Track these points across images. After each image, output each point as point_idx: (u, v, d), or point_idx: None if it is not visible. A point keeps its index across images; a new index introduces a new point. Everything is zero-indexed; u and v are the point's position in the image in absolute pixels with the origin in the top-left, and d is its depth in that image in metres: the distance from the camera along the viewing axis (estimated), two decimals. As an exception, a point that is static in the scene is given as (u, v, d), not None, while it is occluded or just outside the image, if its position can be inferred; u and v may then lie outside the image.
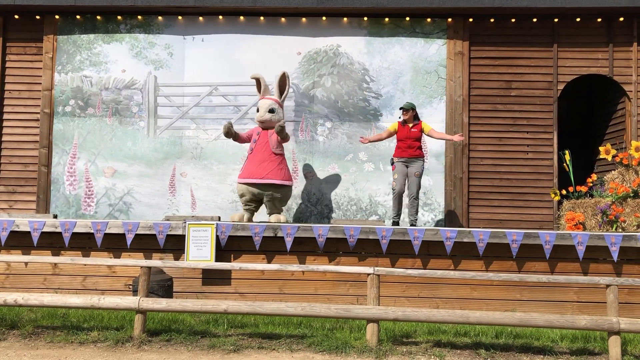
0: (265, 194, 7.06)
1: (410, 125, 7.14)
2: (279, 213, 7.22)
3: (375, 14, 8.32)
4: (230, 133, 7.20)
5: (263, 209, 7.44)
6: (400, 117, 7.26)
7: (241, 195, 7.21)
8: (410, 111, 7.15)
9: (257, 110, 7.33)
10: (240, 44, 8.47)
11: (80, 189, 8.34)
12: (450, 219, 8.12)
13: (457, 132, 8.12)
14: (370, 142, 7.50)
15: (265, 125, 7.26)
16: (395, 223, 7.12)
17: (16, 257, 5.83)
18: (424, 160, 7.21)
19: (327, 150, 8.34)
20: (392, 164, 7.22)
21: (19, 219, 6.52)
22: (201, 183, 8.33)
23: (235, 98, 8.43)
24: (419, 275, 5.34)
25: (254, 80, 7.56)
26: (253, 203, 7.20)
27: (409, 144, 7.09)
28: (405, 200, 7.38)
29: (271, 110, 7.21)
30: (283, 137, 7.14)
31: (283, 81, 7.38)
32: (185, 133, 8.42)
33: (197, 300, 5.20)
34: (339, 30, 8.42)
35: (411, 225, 7.13)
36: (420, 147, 7.15)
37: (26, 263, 6.41)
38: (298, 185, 8.24)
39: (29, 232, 6.39)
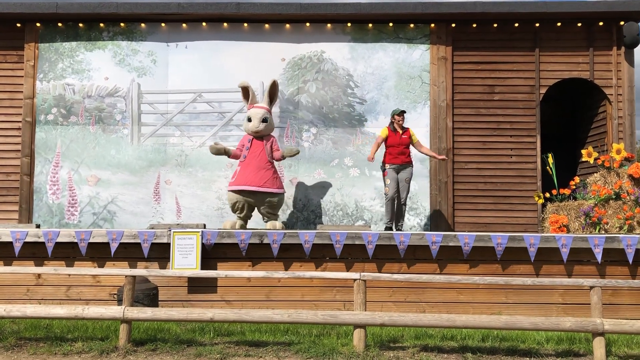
0: (264, 202, 7.04)
1: (401, 132, 7.21)
2: (275, 220, 7.20)
3: (359, 20, 8.36)
4: (219, 152, 7.19)
5: (255, 217, 7.42)
6: (394, 122, 7.24)
7: (234, 204, 7.08)
8: (404, 116, 7.28)
9: (249, 120, 7.20)
10: (224, 51, 8.46)
11: (63, 198, 8.25)
12: (435, 223, 8.15)
13: (441, 137, 8.20)
14: (374, 157, 7.21)
15: (259, 135, 7.22)
16: (389, 228, 7.13)
17: (-2, 268, 5.75)
18: (412, 166, 7.31)
19: (312, 156, 8.34)
20: (384, 170, 7.25)
21: (0, 229, 6.42)
22: (186, 190, 8.28)
23: (220, 104, 8.40)
24: (405, 280, 5.36)
25: (239, 87, 7.51)
26: (246, 211, 7.15)
27: (401, 150, 7.18)
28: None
29: (264, 120, 7.18)
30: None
31: (274, 89, 7.34)
32: (169, 140, 8.37)
33: (182, 309, 5.16)
34: (322, 36, 8.44)
35: (397, 230, 7.16)
36: (410, 154, 7.25)
37: (8, 274, 6.31)
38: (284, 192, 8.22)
39: (11, 243, 6.29)
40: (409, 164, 7.23)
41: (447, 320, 4.90)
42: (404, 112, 7.28)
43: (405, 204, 7.24)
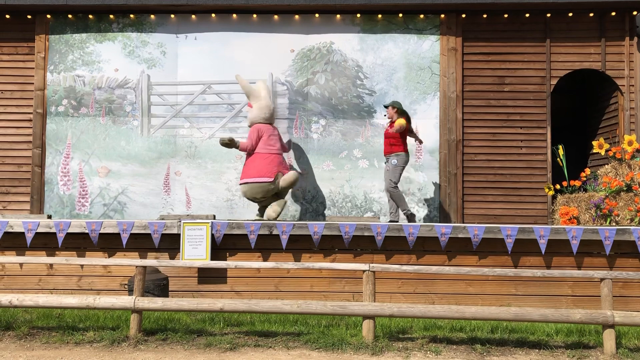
0: (253, 193, 7.17)
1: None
2: (272, 210, 7.14)
3: (368, 11, 8.32)
4: (232, 144, 7.21)
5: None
6: (386, 115, 7.35)
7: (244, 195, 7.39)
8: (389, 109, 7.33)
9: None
10: (233, 42, 8.45)
11: (74, 189, 8.31)
12: (444, 214, 8.14)
13: (451, 129, 8.17)
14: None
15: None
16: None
17: (10, 258, 5.80)
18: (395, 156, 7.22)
19: (321, 148, 8.34)
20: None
21: (12, 219, 6.48)
22: (196, 182, 8.31)
23: (229, 96, 8.41)
24: (414, 271, 5.36)
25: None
26: (258, 200, 7.29)
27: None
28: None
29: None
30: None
31: (242, 85, 7.54)
32: (179, 132, 8.40)
33: (192, 299, 5.20)
34: (332, 27, 8.41)
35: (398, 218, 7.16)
36: (393, 144, 7.19)
37: (21, 264, 6.38)
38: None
39: (23, 233, 6.36)
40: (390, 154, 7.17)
41: (456, 311, 4.91)
42: (387, 106, 7.26)
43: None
